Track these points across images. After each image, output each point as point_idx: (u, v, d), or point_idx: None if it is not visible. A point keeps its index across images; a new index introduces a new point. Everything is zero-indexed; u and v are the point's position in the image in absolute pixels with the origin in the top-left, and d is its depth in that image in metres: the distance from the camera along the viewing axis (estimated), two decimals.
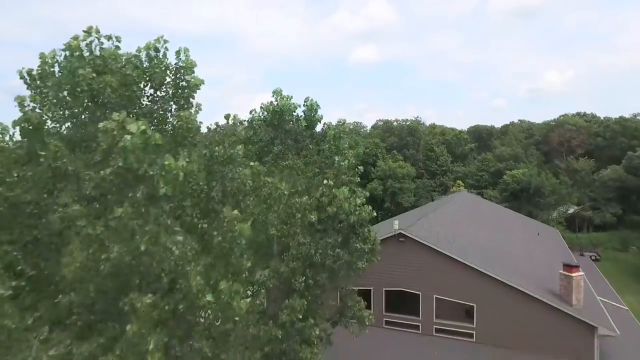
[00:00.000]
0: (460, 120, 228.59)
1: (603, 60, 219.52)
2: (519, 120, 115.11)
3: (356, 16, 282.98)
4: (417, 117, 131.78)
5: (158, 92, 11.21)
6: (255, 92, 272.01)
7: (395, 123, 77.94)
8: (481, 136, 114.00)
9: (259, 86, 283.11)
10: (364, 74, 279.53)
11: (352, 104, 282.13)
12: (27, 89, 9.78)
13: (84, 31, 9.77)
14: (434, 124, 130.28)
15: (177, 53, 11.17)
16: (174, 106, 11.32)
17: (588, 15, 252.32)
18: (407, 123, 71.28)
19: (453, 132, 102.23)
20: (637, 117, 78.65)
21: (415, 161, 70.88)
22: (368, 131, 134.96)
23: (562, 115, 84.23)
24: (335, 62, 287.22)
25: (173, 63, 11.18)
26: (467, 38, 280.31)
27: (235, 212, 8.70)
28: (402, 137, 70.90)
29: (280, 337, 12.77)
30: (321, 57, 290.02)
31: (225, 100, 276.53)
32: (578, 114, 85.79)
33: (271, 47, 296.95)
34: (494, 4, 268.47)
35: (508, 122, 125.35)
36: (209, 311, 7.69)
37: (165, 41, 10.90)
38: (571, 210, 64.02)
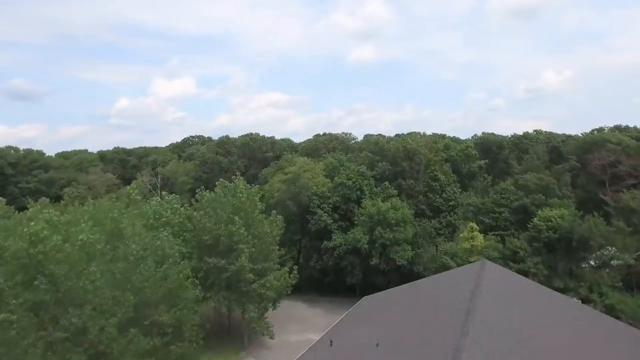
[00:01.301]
0: (458, 120, 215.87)
1: (602, 60, 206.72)
2: (535, 130, 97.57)
3: (354, 16, 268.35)
4: (417, 131, 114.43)
5: None
6: (254, 93, 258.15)
7: (388, 141, 60.45)
8: (490, 149, 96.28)
9: (257, 86, 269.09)
10: (362, 73, 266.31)
11: (351, 103, 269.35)
12: None
13: None
14: (434, 135, 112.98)
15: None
16: None
17: (587, 15, 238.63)
18: (404, 143, 54.01)
19: (459, 146, 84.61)
20: None
21: (413, 193, 53.34)
22: (359, 140, 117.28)
23: (598, 130, 66.58)
24: (333, 62, 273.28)
25: None
26: (465, 38, 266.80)
27: None
28: (396, 162, 53.43)
29: None
30: (319, 57, 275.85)
31: (223, 100, 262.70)
32: (617, 127, 68.04)
33: (269, 47, 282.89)
34: (492, 4, 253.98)
35: (521, 133, 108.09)
36: None
37: None
38: (616, 262, 46.45)
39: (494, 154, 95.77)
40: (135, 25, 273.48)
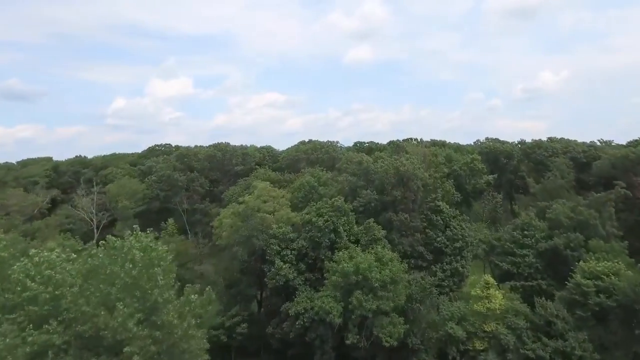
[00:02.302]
0: (456, 120, 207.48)
1: (599, 60, 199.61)
2: (549, 138, 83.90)
3: (352, 17, 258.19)
4: (414, 137, 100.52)
5: None
6: (251, 93, 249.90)
7: (376, 159, 46.58)
8: (498, 159, 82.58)
9: (254, 86, 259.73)
10: (360, 73, 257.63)
11: (348, 104, 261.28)
12: None
13: None
14: (432, 142, 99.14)
15: None
16: None
17: (584, 15, 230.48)
18: (395, 163, 40.02)
19: (462, 158, 70.88)
20: None
21: (408, 230, 39.68)
22: (350, 145, 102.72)
23: (637, 142, 52.74)
24: (331, 62, 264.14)
25: None
26: (463, 38, 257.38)
27: None
28: (385, 189, 39.76)
29: None
30: (317, 57, 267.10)
31: (220, 100, 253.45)
32: None
33: (267, 47, 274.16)
34: (490, 4, 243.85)
35: (530, 140, 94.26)
36: None
37: None
38: None
39: (500, 164, 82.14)
40: (132, 25, 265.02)
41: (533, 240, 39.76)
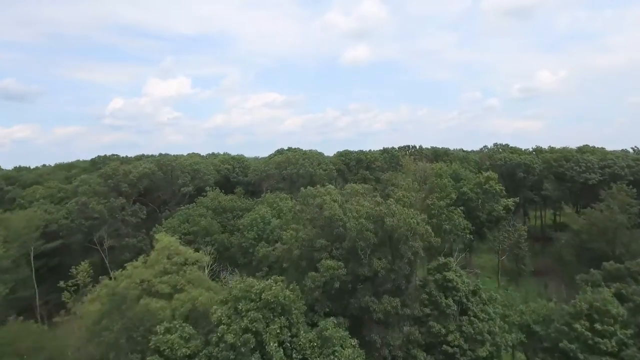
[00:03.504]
0: (454, 120, 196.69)
1: (596, 60, 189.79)
2: (579, 148, 66.81)
3: (349, 16, 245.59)
4: (412, 143, 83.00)
5: None
6: (249, 93, 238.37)
7: (355, 192, 29.87)
8: (514, 176, 65.64)
9: (252, 86, 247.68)
10: (358, 73, 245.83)
11: (346, 103, 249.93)
12: None
13: None
14: (434, 151, 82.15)
15: None
16: None
17: (581, 15, 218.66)
18: (378, 211, 23.41)
19: (475, 178, 53.84)
20: None
21: (398, 320, 23.13)
22: (332, 156, 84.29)
23: None
24: (329, 62, 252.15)
25: None
26: (460, 38, 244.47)
27: None
28: (357, 256, 23.01)
29: None
30: (315, 57, 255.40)
31: (218, 100, 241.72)
32: None
33: (265, 47, 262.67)
34: (487, 4, 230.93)
35: (547, 147, 77.16)
36: None
37: None
38: None
39: (519, 182, 65.18)
40: (130, 25, 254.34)
41: (614, 340, 22.94)
